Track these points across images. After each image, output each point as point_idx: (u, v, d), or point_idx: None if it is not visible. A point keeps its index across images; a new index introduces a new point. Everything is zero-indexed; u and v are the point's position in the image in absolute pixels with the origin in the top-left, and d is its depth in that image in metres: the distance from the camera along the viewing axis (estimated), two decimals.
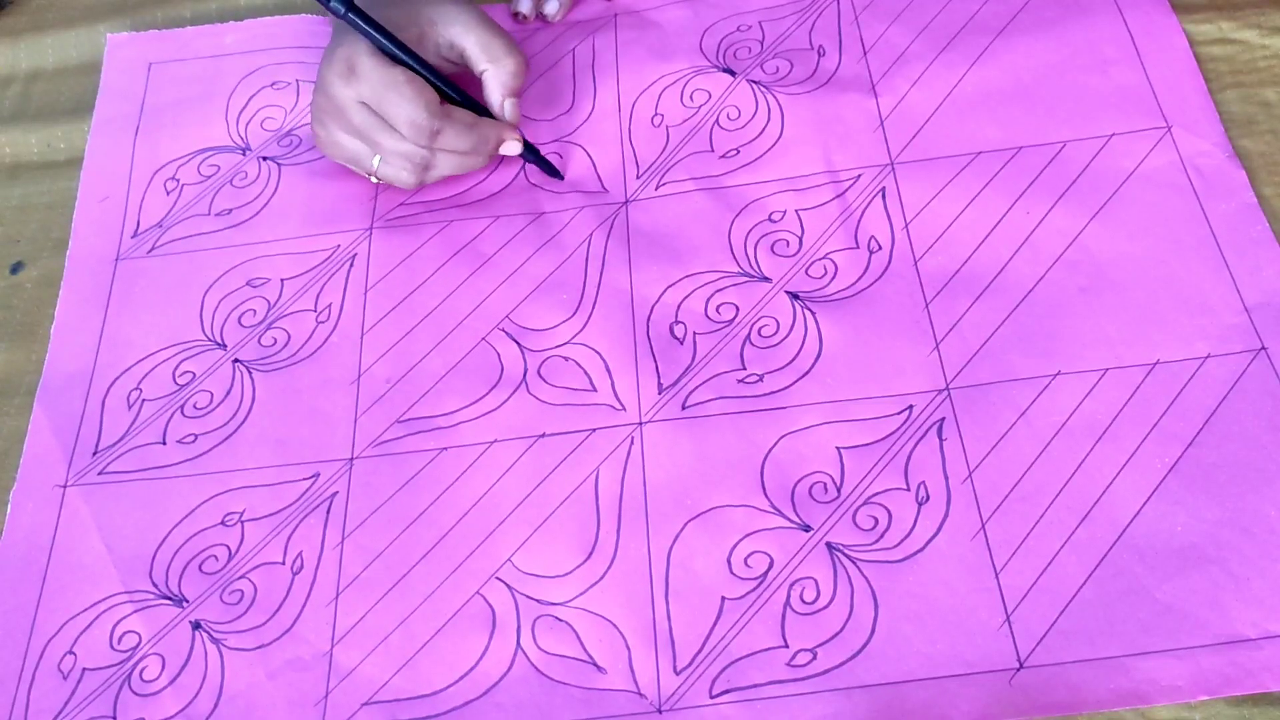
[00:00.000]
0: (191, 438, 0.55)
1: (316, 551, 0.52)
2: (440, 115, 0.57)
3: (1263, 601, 0.45)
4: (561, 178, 0.61)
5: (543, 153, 0.62)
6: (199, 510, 0.53)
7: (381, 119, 0.57)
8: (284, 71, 0.68)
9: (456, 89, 0.59)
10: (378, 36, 0.56)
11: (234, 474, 0.54)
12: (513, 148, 0.60)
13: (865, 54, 0.63)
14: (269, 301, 0.59)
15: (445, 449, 0.54)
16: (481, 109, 0.60)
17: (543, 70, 0.66)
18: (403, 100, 0.56)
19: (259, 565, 0.51)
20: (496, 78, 0.59)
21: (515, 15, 0.68)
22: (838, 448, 0.51)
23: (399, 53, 0.57)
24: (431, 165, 0.58)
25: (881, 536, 0.49)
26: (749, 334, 0.55)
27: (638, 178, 0.61)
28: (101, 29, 0.71)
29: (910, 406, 0.52)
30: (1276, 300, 0.52)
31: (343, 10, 0.55)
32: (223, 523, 0.53)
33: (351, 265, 0.60)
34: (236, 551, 0.52)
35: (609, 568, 0.50)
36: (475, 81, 0.60)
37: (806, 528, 0.50)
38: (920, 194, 0.58)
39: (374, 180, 0.60)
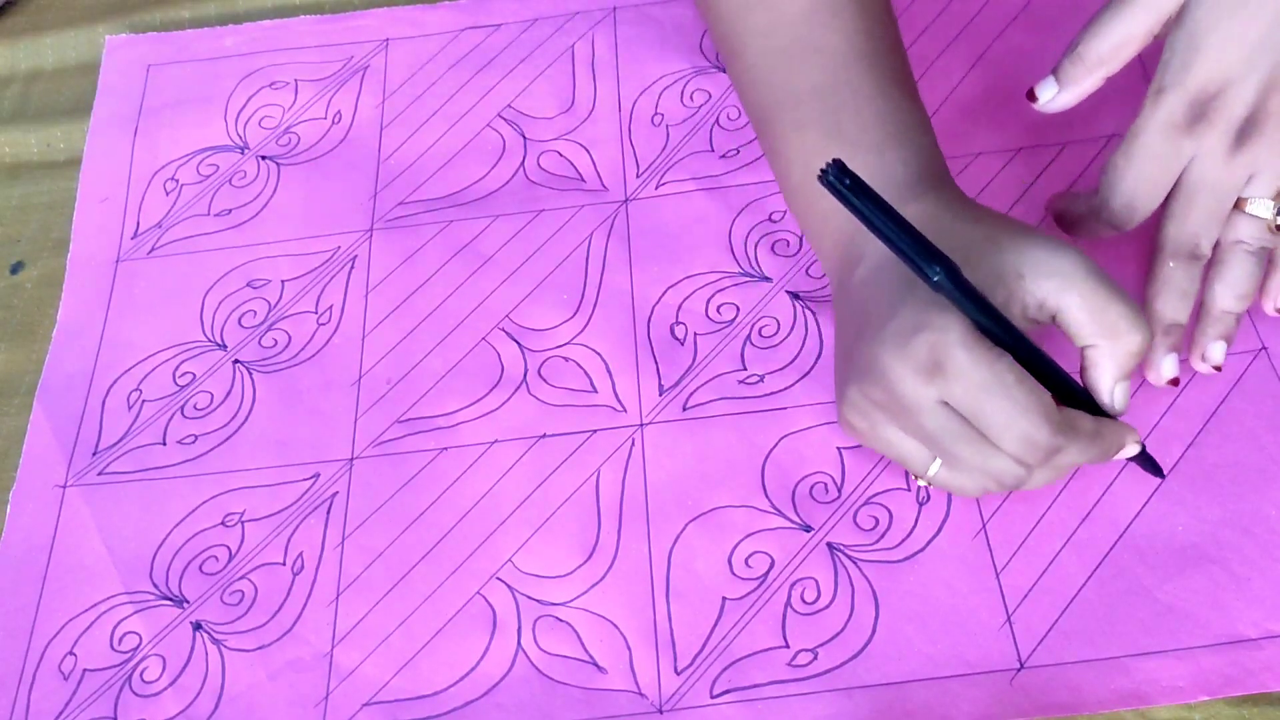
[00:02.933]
0: (192, 438, 0.55)
1: (317, 552, 0.52)
2: (1064, 429, 0.42)
3: (1264, 601, 0.46)
4: (1163, 476, 0.48)
5: (545, 152, 0.62)
6: (199, 511, 0.53)
7: (967, 426, 0.42)
8: (283, 72, 0.68)
9: (1051, 366, 0.44)
10: (986, 319, 0.41)
11: (234, 474, 0.54)
12: (1130, 451, 0.46)
13: None
14: (269, 303, 0.59)
15: (445, 449, 0.54)
16: (1057, 382, 0.44)
17: (542, 68, 0.66)
18: (1015, 411, 0.41)
19: (259, 566, 0.51)
20: (1112, 358, 0.43)
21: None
22: (838, 448, 0.51)
23: (1003, 335, 0.42)
24: (1025, 482, 0.44)
25: (882, 537, 0.49)
26: (749, 334, 0.55)
27: (638, 177, 0.61)
28: (100, 30, 0.71)
29: None
30: None
31: (939, 276, 0.39)
32: (223, 523, 0.53)
33: (353, 267, 0.60)
34: (237, 552, 0.52)
35: (610, 568, 0.50)
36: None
37: (807, 528, 0.50)
38: None
39: (918, 483, 0.49)
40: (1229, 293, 0.49)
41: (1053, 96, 0.49)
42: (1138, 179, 0.48)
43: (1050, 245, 0.43)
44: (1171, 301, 0.49)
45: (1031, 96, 0.50)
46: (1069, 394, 0.44)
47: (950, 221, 0.45)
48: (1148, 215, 0.49)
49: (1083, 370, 0.45)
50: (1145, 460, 0.48)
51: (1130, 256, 0.53)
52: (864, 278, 0.47)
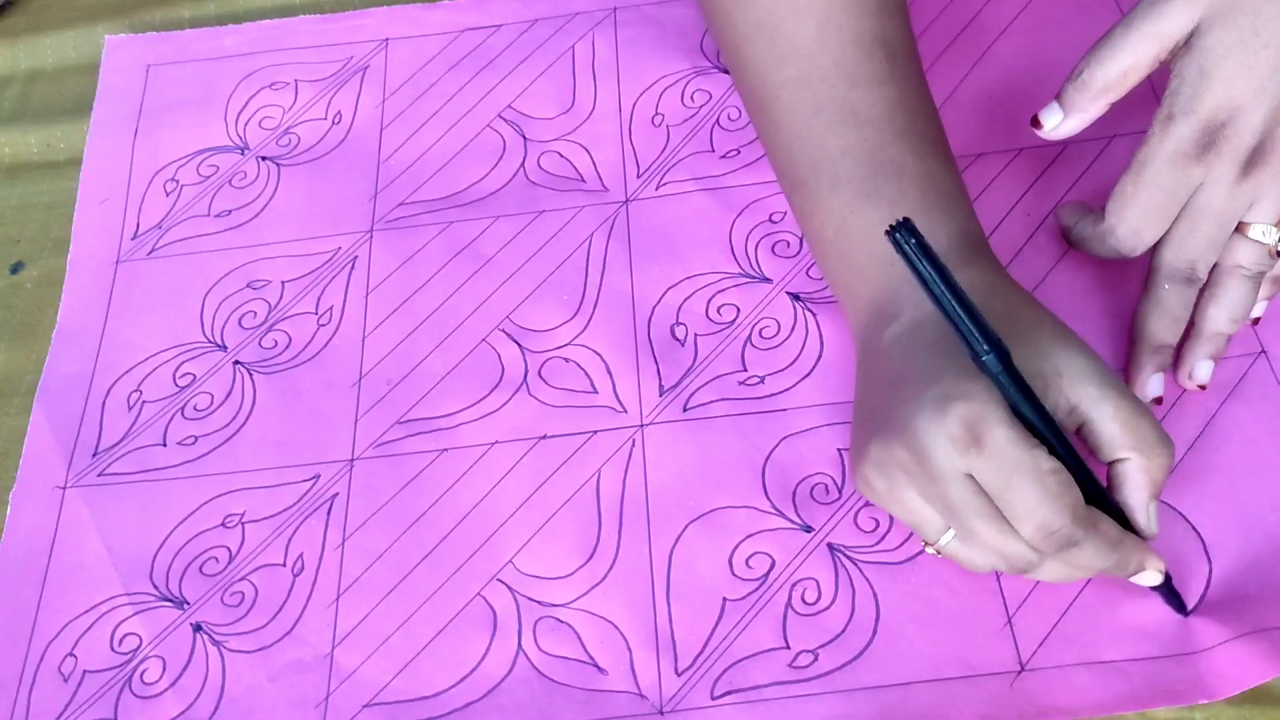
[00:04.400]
0: (192, 439, 0.55)
1: (317, 553, 0.52)
2: (1085, 524, 0.41)
3: (1263, 603, 0.45)
4: (1186, 613, 0.46)
5: (545, 152, 0.62)
6: (199, 512, 0.53)
7: (989, 503, 0.42)
8: (283, 73, 0.68)
9: (1084, 469, 0.43)
10: (1028, 410, 0.41)
11: (234, 476, 0.54)
12: (1152, 579, 0.44)
13: None
14: (269, 304, 0.59)
15: (446, 450, 0.54)
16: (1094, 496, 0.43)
17: (543, 69, 0.66)
18: (1043, 497, 0.40)
19: (260, 567, 0.51)
20: (1146, 472, 0.43)
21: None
22: (839, 449, 0.51)
23: (1043, 427, 0.41)
24: (1035, 569, 0.43)
25: (883, 538, 0.49)
26: (750, 335, 0.55)
27: (638, 177, 0.61)
28: (100, 29, 0.71)
29: None
30: (1276, 302, 0.52)
31: (988, 357, 0.40)
32: (223, 524, 0.53)
33: (353, 268, 0.60)
34: (237, 553, 0.52)
35: (610, 569, 0.50)
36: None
37: (808, 529, 0.50)
38: None
39: (926, 549, 0.46)
40: (1224, 315, 0.49)
41: (1058, 124, 0.49)
42: (1146, 207, 0.48)
43: (1086, 352, 0.43)
44: (1164, 324, 0.49)
45: (1036, 124, 0.49)
46: (1099, 502, 0.43)
47: (993, 299, 0.45)
48: (1154, 241, 0.49)
49: (1112, 488, 0.44)
50: (1169, 593, 0.45)
51: (1135, 275, 0.53)
52: (898, 335, 0.46)
